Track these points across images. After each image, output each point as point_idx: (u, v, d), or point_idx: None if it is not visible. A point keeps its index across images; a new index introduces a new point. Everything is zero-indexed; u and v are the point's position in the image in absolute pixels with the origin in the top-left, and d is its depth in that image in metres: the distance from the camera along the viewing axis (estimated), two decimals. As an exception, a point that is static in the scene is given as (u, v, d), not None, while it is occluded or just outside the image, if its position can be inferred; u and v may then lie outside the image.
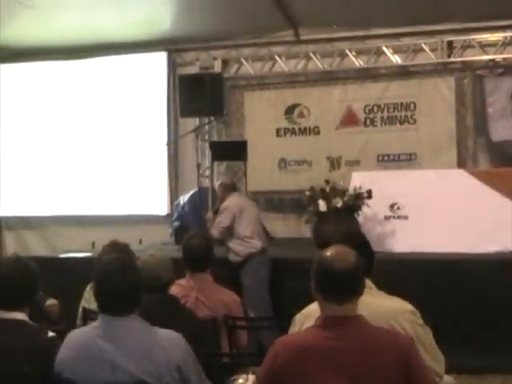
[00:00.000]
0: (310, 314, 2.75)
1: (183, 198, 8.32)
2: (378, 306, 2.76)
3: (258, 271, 6.11)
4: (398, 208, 6.60)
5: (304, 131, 8.64)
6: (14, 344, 2.77)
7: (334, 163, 8.45)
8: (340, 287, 2.44)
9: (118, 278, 2.70)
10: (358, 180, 6.68)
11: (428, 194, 6.46)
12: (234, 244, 6.22)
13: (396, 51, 8.31)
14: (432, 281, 5.71)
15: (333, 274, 2.45)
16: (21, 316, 2.89)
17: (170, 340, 2.71)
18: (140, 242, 8.03)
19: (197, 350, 2.95)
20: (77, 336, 2.77)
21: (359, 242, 2.95)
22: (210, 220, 6.42)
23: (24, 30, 8.20)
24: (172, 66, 9.06)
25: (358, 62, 8.41)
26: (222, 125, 9.02)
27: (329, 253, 2.52)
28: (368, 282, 2.75)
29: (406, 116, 8.26)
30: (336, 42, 8.48)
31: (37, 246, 9.30)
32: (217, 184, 6.99)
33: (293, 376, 2.40)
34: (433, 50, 8.08)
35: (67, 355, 2.71)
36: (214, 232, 6.18)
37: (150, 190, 8.99)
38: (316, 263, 2.51)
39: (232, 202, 6.34)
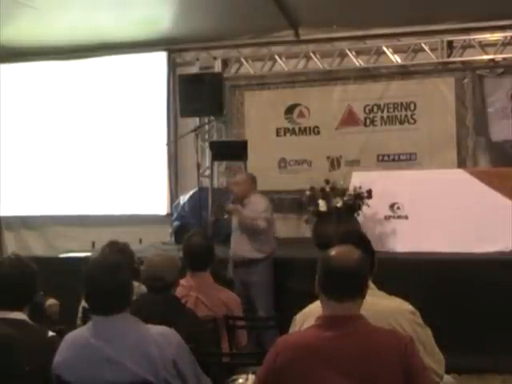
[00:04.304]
0: (310, 314, 2.75)
1: (183, 198, 8.32)
2: (378, 305, 2.76)
3: (270, 271, 6.01)
4: (398, 208, 6.60)
5: (304, 131, 8.64)
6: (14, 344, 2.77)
7: (334, 163, 8.45)
8: (340, 285, 2.44)
9: (106, 277, 2.68)
10: (358, 180, 6.68)
11: (428, 193, 6.47)
12: (259, 240, 5.91)
13: (396, 51, 8.31)
14: (432, 281, 5.70)
15: (333, 271, 2.46)
16: (21, 316, 2.89)
17: (163, 336, 2.71)
18: (140, 241, 8.03)
19: (197, 349, 2.95)
20: (72, 338, 2.77)
21: (360, 241, 2.94)
22: (240, 210, 5.89)
23: (24, 30, 8.20)
24: (172, 65, 9.07)
25: (358, 62, 8.41)
26: (222, 125, 9.02)
27: (332, 252, 2.53)
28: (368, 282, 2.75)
29: (406, 116, 8.26)
30: (336, 42, 8.48)
31: (37, 246, 9.31)
32: (239, 175, 6.54)
33: (293, 375, 2.40)
34: (433, 49, 8.08)
35: (64, 357, 2.71)
36: (262, 223, 5.80)
37: (149, 189, 8.99)
38: (319, 262, 2.52)
39: (263, 197, 6.09)
